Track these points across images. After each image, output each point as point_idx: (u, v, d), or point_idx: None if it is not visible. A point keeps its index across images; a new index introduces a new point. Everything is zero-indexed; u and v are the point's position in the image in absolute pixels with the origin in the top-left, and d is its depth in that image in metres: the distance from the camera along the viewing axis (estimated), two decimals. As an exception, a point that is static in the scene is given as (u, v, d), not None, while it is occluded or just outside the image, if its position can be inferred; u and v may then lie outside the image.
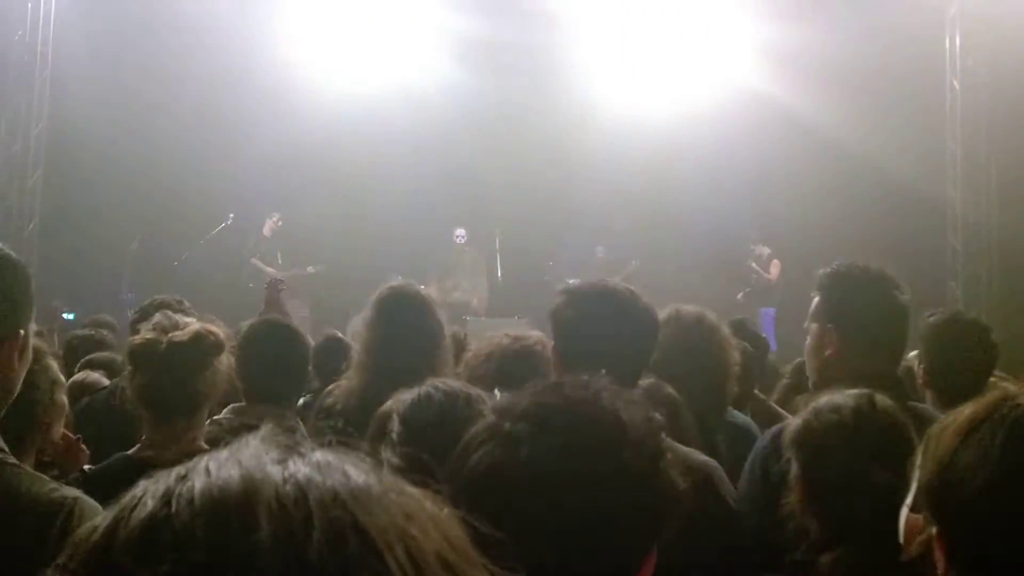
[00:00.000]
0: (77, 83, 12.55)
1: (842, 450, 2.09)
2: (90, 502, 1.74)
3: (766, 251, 12.93)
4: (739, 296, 12.74)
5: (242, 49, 12.82)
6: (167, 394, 2.69)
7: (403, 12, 13.28)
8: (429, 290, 12.68)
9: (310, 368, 4.31)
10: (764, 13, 12.36)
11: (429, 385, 2.27)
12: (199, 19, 12.49)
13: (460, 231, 13.32)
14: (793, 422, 2.25)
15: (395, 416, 2.27)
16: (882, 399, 2.19)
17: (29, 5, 12.35)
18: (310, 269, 12.83)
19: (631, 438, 1.29)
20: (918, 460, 1.45)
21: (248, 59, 12.87)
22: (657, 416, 1.38)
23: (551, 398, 1.33)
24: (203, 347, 2.68)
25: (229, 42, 12.77)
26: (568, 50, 13.35)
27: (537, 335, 3.39)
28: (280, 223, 13.15)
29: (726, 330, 3.58)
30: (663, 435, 1.37)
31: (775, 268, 12.78)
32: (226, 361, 2.79)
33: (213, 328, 2.78)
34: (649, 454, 1.30)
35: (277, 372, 3.40)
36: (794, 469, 2.20)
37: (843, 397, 2.20)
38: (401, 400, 2.32)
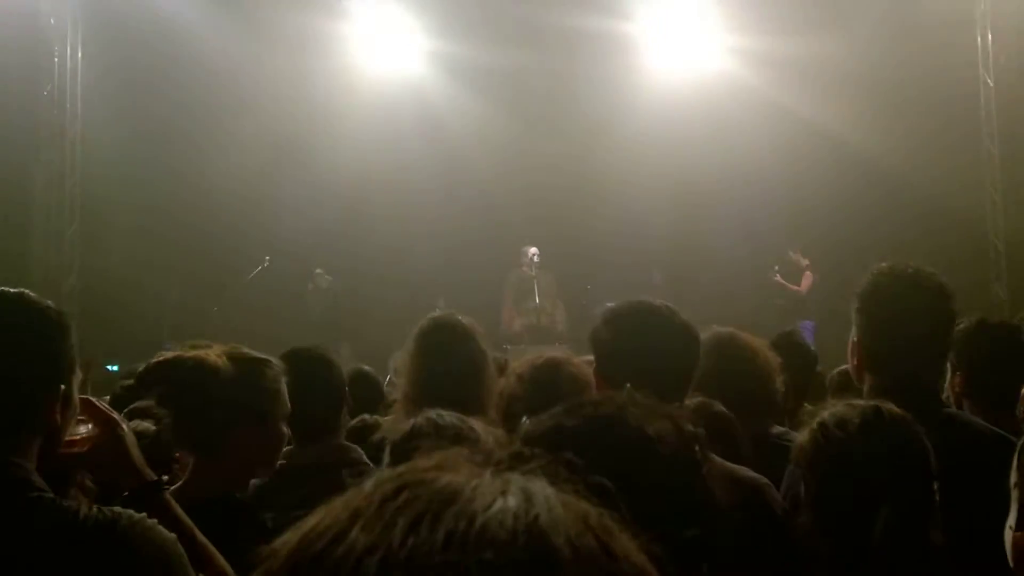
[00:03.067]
0: (107, 135, 12.76)
1: (852, 470, 1.97)
2: (136, 516, 1.76)
3: (804, 262, 12.75)
4: (778, 301, 12.60)
5: (271, 93, 13.04)
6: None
7: (422, 49, 13.42)
8: (507, 315, 12.49)
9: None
10: (791, 27, 12.33)
11: (423, 417, 2.30)
12: (224, 65, 12.70)
13: (534, 249, 12.38)
14: (798, 440, 2.12)
15: (387, 448, 2.34)
16: (891, 409, 2.05)
17: (56, 60, 12.57)
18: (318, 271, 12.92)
19: (660, 453, 1.24)
20: (1014, 476, 1.33)
21: (277, 103, 13.07)
22: (691, 428, 1.32)
23: (570, 420, 1.27)
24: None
25: (256, 87, 12.98)
26: (591, 71, 13.38)
27: (584, 359, 3.36)
28: (325, 275, 13.24)
29: (763, 347, 3.54)
30: (700, 448, 1.31)
31: (806, 280, 12.60)
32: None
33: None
34: (681, 469, 1.25)
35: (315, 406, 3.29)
36: (802, 489, 2.11)
37: (849, 410, 2.07)
38: (394, 431, 2.38)
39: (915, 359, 2.58)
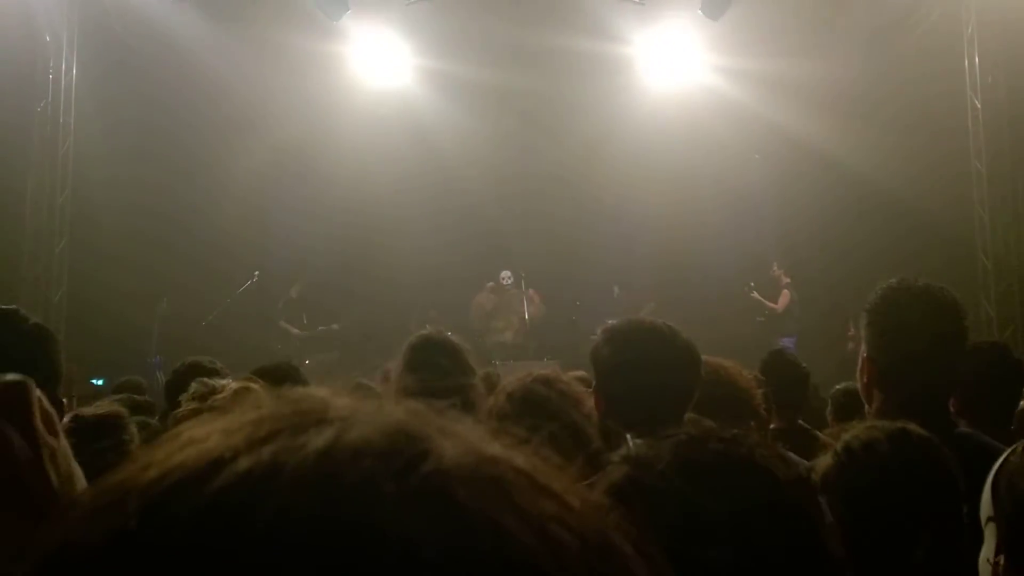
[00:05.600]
0: (99, 150, 12.71)
1: (883, 495, 1.90)
2: None
3: (785, 279, 12.74)
4: (759, 319, 12.60)
5: (264, 110, 13.06)
6: None
7: (417, 69, 13.43)
8: (483, 327, 12.64)
9: None
10: (785, 49, 12.38)
11: None
12: (218, 83, 12.69)
13: (506, 272, 13.05)
14: (822, 464, 2.02)
15: None
16: (917, 431, 1.98)
17: (51, 76, 12.54)
18: (335, 327, 12.94)
19: (788, 500, 1.18)
20: (987, 505, 1.29)
21: (270, 120, 13.08)
22: (812, 476, 1.26)
23: (696, 453, 1.20)
24: None
25: (249, 104, 12.98)
26: (583, 90, 13.41)
27: (573, 374, 3.33)
28: (303, 287, 13.23)
29: (735, 367, 3.49)
30: (818, 496, 1.27)
31: (783, 298, 12.59)
32: None
33: (253, 386, 2.69)
34: (806, 518, 1.20)
35: None
36: (828, 515, 2.02)
37: (874, 432, 1.99)
38: None
39: (928, 377, 2.51)
